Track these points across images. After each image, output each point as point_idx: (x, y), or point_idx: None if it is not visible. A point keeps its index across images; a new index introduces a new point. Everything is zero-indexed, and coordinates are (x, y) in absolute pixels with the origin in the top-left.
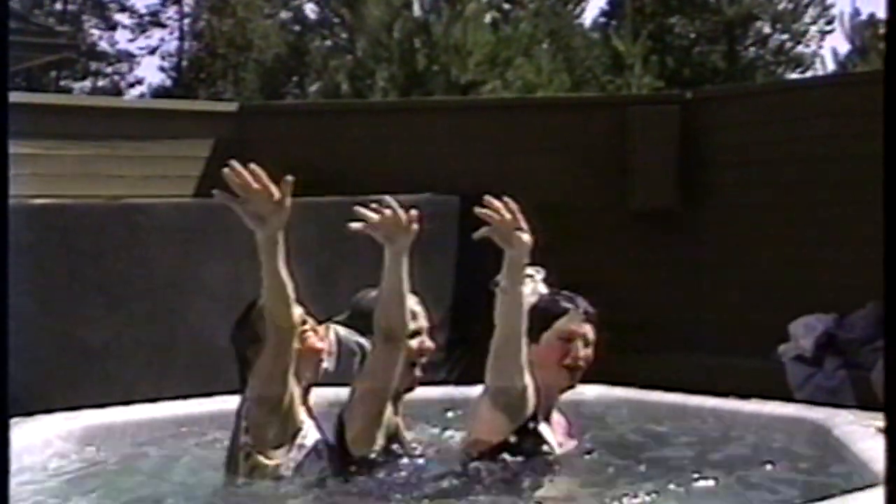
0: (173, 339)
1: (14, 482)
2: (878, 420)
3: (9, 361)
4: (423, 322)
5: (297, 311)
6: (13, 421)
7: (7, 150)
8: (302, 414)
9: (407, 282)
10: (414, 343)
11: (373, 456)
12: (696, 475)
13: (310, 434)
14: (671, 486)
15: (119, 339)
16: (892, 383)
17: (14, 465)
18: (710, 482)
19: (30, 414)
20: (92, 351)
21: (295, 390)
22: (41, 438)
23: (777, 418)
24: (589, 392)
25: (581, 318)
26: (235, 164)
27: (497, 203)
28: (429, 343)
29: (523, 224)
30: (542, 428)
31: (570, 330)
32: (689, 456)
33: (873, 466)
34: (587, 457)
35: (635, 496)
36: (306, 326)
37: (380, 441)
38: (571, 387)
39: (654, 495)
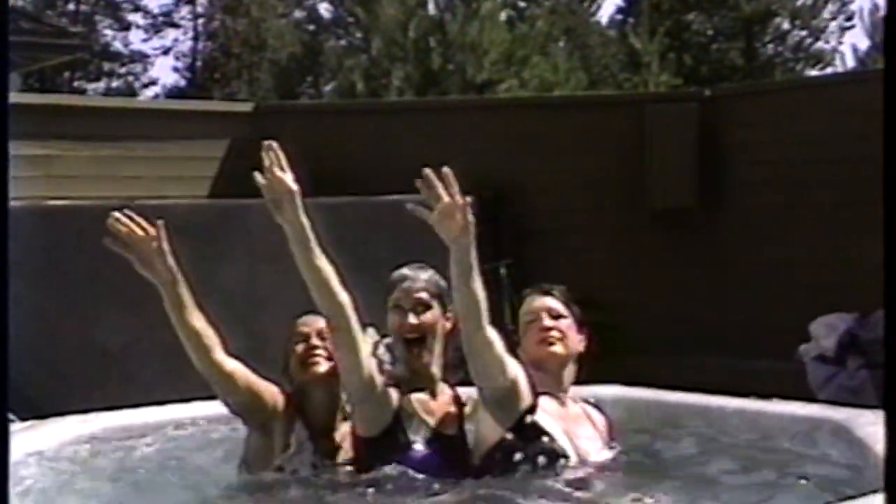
0: None
1: (31, 483)
2: None
3: (22, 364)
4: (404, 301)
5: (320, 323)
6: (30, 423)
7: (7, 150)
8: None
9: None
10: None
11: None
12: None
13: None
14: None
15: (136, 341)
16: (892, 384)
17: (34, 468)
18: (730, 483)
19: (45, 417)
20: (109, 353)
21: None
22: (58, 440)
23: (798, 419)
24: (606, 392)
25: (537, 294)
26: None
27: (436, 181)
28: (410, 320)
29: (460, 201)
30: (542, 418)
31: (529, 310)
32: (705, 457)
33: None
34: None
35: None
36: (317, 351)
37: (373, 429)
38: (562, 361)
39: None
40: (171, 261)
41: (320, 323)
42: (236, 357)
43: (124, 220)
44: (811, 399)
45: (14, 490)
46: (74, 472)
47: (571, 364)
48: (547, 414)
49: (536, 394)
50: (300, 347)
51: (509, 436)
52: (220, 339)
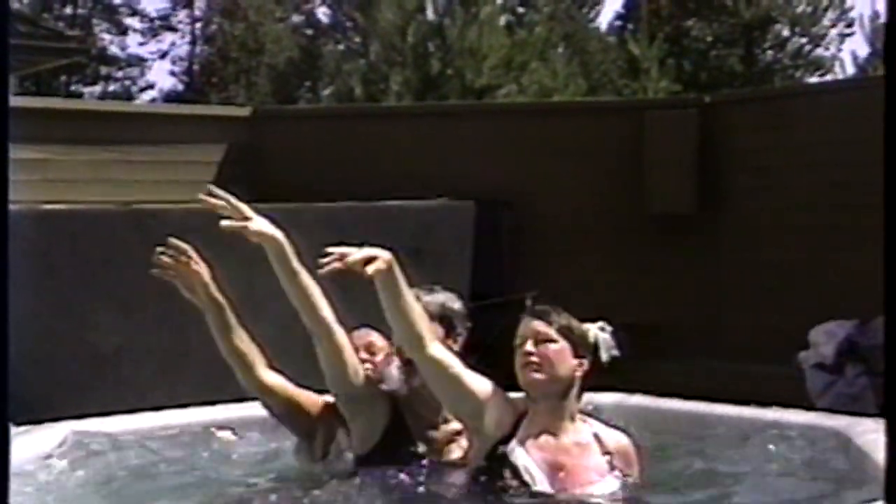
0: (185, 344)
1: (26, 489)
2: None
3: (17, 368)
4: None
5: (370, 337)
6: (25, 427)
7: (7, 152)
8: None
9: None
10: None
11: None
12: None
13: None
14: None
15: (131, 345)
16: (892, 383)
17: (28, 473)
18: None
19: (41, 421)
20: (104, 356)
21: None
22: (52, 446)
23: (797, 426)
24: (606, 399)
25: (528, 317)
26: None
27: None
28: (370, 338)
29: (372, 252)
30: (518, 449)
31: (518, 335)
32: (704, 467)
33: None
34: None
35: None
36: (365, 365)
37: (365, 445)
38: (544, 389)
39: None
40: (213, 289)
41: (370, 337)
42: (278, 370)
43: (169, 253)
44: (810, 406)
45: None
46: (70, 477)
47: (568, 391)
48: (530, 445)
49: (517, 422)
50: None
51: (483, 464)
52: (261, 352)
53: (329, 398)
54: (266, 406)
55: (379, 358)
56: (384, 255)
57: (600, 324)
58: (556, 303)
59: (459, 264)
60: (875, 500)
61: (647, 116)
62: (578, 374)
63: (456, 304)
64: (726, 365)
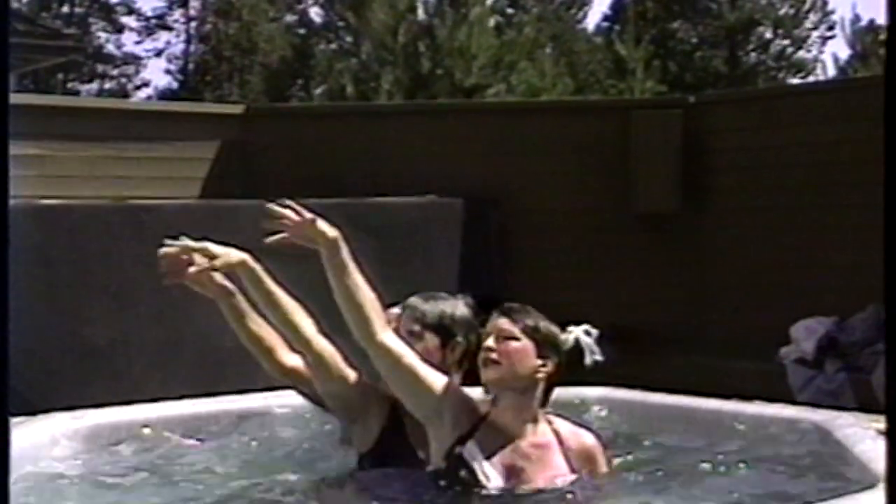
0: (180, 338)
1: (20, 482)
2: (879, 422)
3: (12, 360)
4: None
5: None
6: (20, 420)
7: (7, 150)
8: None
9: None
10: None
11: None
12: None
13: None
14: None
15: (126, 339)
16: (892, 383)
17: (23, 465)
18: (712, 484)
19: (37, 413)
20: (99, 350)
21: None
22: (48, 437)
23: (778, 420)
24: (591, 394)
25: (496, 314)
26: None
27: (284, 210)
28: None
29: (320, 222)
30: (471, 453)
31: (484, 332)
32: (687, 460)
33: (873, 467)
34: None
35: None
36: None
37: (364, 446)
38: (499, 385)
39: None
40: (219, 277)
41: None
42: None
43: (171, 254)
44: (791, 400)
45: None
46: (65, 469)
47: (529, 390)
48: (487, 445)
49: (478, 423)
50: None
51: (442, 465)
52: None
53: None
54: (299, 392)
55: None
56: (330, 229)
57: (584, 327)
58: (542, 300)
59: (447, 261)
60: (853, 492)
61: (632, 116)
62: (540, 374)
63: (459, 311)
64: (709, 361)
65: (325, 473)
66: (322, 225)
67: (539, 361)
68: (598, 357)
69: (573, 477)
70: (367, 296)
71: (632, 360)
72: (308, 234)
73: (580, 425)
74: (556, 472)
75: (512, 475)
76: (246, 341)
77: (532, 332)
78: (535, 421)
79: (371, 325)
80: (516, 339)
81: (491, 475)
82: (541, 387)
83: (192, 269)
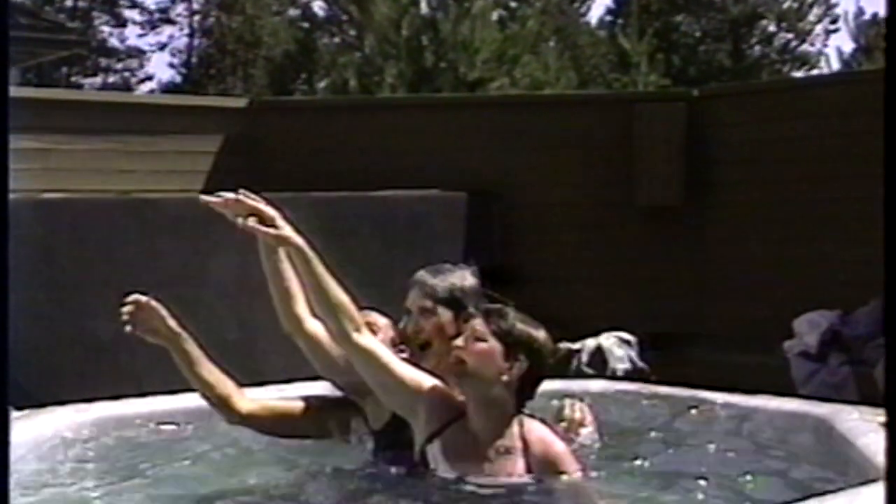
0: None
1: (25, 476)
2: (882, 415)
3: (15, 354)
4: (408, 306)
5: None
6: (24, 413)
7: (7, 148)
8: None
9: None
10: None
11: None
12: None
13: None
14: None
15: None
16: (892, 381)
17: (27, 459)
18: (714, 477)
19: (40, 406)
20: (102, 344)
21: None
22: (51, 430)
23: (781, 413)
24: (593, 386)
25: (474, 316)
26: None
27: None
28: (403, 326)
29: (286, 228)
30: (432, 452)
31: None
32: (689, 453)
33: (877, 461)
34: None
35: None
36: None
37: (378, 422)
38: (456, 381)
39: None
40: (172, 322)
41: (370, 317)
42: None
43: (126, 308)
44: (794, 394)
45: (12, 480)
46: (70, 463)
47: (493, 392)
48: (450, 445)
49: (449, 421)
50: None
51: (417, 458)
52: (233, 382)
53: (321, 392)
54: (260, 431)
55: (379, 337)
56: (293, 234)
57: (619, 334)
58: (545, 294)
59: (451, 255)
60: (857, 485)
61: (636, 110)
62: (506, 377)
63: (468, 282)
64: (712, 354)
65: (338, 464)
66: (286, 231)
67: (506, 364)
68: (626, 365)
69: (526, 481)
70: (338, 298)
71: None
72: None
73: (555, 432)
74: (512, 477)
75: (469, 476)
76: (200, 388)
77: (503, 335)
78: (506, 423)
79: (343, 327)
80: (484, 340)
81: (449, 475)
82: (510, 389)
83: (249, 221)
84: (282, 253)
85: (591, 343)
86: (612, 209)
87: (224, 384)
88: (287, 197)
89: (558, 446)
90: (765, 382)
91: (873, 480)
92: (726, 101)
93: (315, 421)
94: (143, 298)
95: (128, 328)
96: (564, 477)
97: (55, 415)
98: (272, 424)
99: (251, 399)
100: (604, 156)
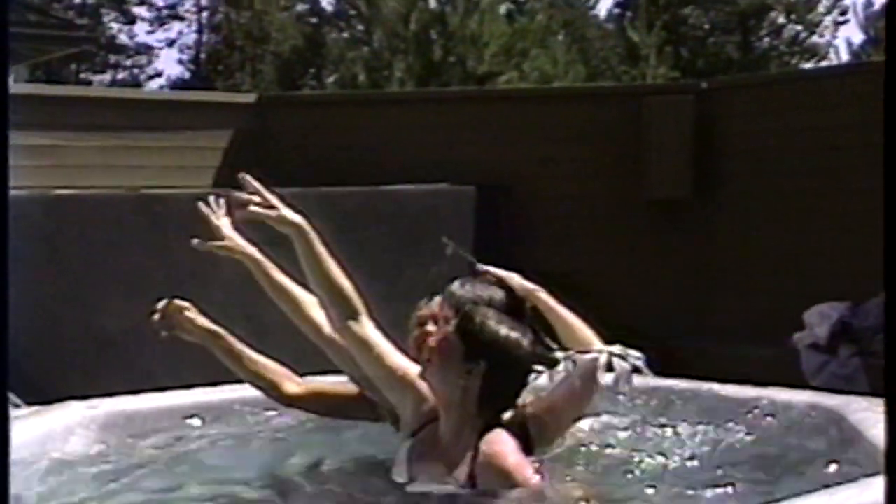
0: None
1: (34, 471)
2: None
3: (26, 349)
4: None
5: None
6: (34, 409)
7: (7, 146)
8: None
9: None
10: None
11: None
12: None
13: None
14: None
15: (138, 329)
16: (892, 379)
17: (36, 454)
18: (723, 469)
19: (50, 402)
20: (111, 340)
21: None
22: (62, 426)
23: (791, 405)
24: (602, 379)
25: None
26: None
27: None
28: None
29: (284, 209)
30: (401, 450)
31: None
32: (699, 446)
33: None
34: None
35: None
36: None
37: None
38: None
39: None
40: (205, 321)
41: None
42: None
43: (155, 317)
44: (805, 385)
45: (23, 475)
46: (80, 458)
47: (453, 391)
48: (417, 444)
49: (425, 422)
50: None
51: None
52: (278, 366)
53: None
54: (314, 413)
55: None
56: (293, 215)
57: (621, 350)
58: (554, 287)
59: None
60: (868, 475)
61: (644, 102)
62: (462, 381)
63: (497, 296)
64: (722, 346)
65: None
66: (286, 212)
67: (466, 366)
68: (622, 387)
69: (458, 491)
70: (338, 282)
71: (642, 346)
72: (272, 217)
73: (524, 445)
74: (446, 485)
75: (416, 480)
76: (248, 378)
77: (465, 334)
78: (465, 429)
79: (339, 312)
80: (447, 338)
81: (400, 479)
82: (470, 393)
83: (251, 208)
84: (269, 267)
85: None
86: (621, 202)
87: (268, 371)
88: (296, 192)
89: (511, 459)
90: (775, 374)
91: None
92: (735, 93)
93: (367, 404)
94: (166, 303)
95: (163, 334)
96: (512, 492)
97: (66, 410)
98: (323, 407)
99: (299, 382)
100: (612, 149)
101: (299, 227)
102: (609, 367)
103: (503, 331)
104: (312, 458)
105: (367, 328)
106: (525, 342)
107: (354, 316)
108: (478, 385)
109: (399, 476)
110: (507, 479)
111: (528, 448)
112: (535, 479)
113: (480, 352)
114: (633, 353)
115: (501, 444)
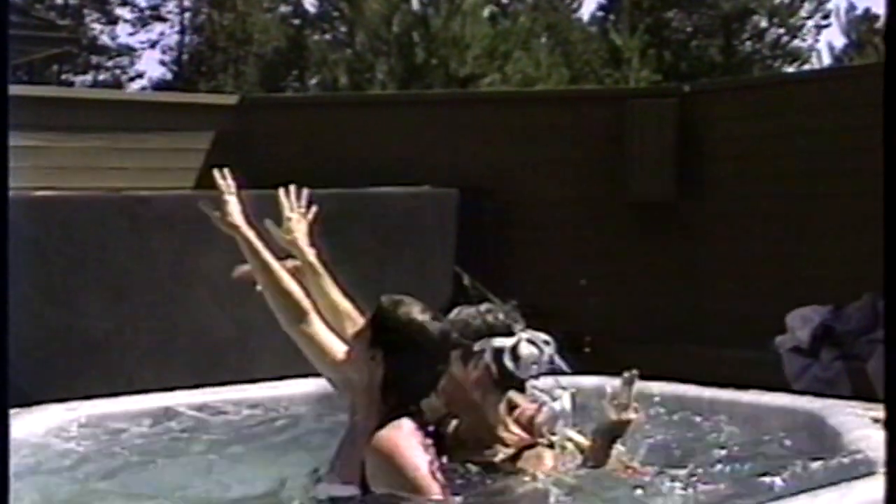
0: (174, 329)
1: (14, 473)
2: (874, 410)
3: (9, 356)
4: None
5: None
6: (15, 411)
7: (7, 146)
8: None
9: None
10: None
11: None
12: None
13: None
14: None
15: (120, 330)
16: (892, 377)
17: (17, 457)
18: (706, 472)
19: (32, 404)
20: (94, 342)
21: None
22: (43, 428)
23: (773, 409)
24: (586, 382)
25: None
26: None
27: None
28: None
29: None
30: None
31: None
32: (683, 449)
33: (869, 456)
34: None
35: None
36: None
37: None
38: None
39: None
40: (236, 219)
41: None
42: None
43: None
44: (787, 389)
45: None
46: (60, 460)
47: (360, 378)
48: (346, 437)
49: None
50: None
51: None
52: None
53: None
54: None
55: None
56: (239, 223)
57: (523, 334)
58: (538, 290)
59: (442, 251)
60: (847, 479)
61: (628, 105)
62: (366, 368)
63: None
64: (704, 350)
65: None
66: (234, 218)
67: (370, 352)
68: (530, 371)
69: (338, 488)
70: (284, 287)
71: (626, 348)
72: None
73: (424, 442)
74: (336, 474)
75: (333, 470)
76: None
77: (373, 319)
78: (375, 415)
79: (286, 314)
80: (361, 330)
81: (327, 469)
82: (373, 382)
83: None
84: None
85: (497, 343)
86: (604, 205)
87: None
88: (277, 194)
89: (396, 455)
90: (757, 378)
91: (867, 475)
92: (718, 96)
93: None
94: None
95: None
96: (382, 490)
97: (46, 413)
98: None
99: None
100: (595, 152)
101: (241, 233)
102: (515, 352)
103: (408, 318)
104: (294, 459)
105: (314, 327)
106: (432, 330)
107: (302, 317)
108: (380, 372)
109: (324, 467)
110: (389, 461)
111: (440, 444)
112: (425, 462)
113: (383, 338)
114: (542, 335)
115: (393, 428)
